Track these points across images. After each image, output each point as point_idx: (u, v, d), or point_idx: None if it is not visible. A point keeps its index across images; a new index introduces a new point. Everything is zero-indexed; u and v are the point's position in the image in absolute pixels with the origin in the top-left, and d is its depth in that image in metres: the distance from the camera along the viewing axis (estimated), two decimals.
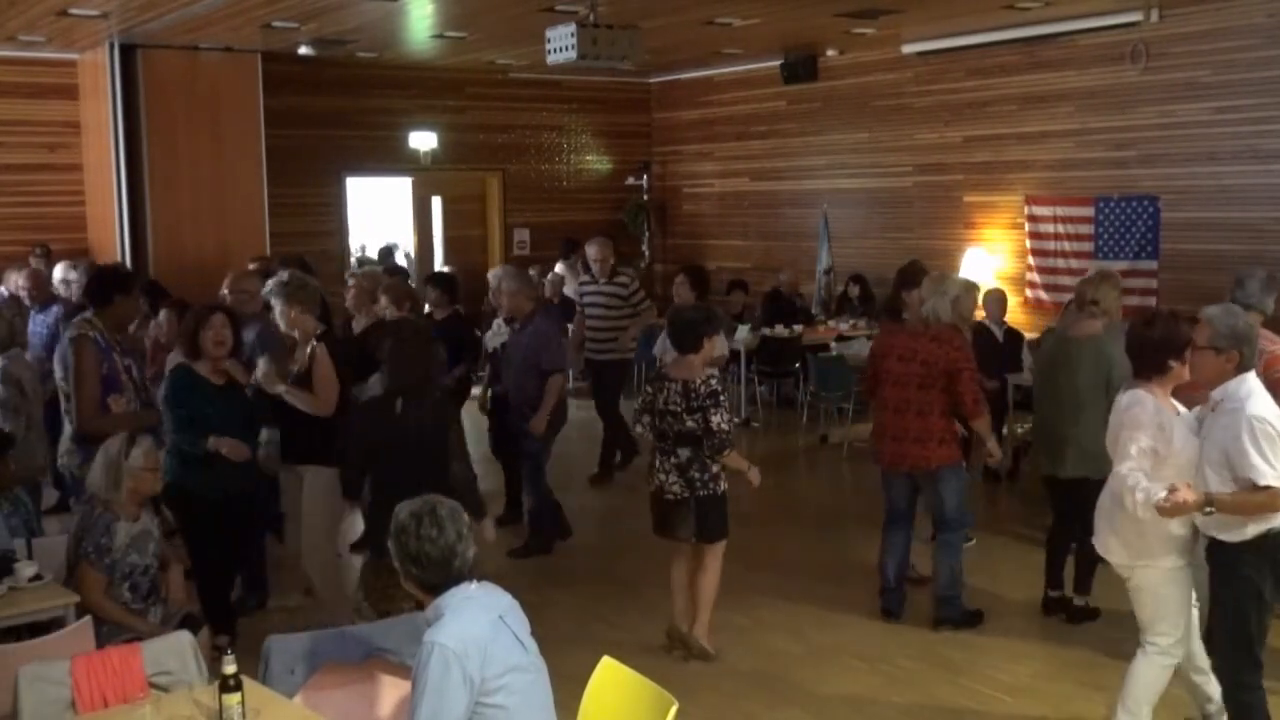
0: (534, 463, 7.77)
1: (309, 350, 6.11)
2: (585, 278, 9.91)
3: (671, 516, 5.90)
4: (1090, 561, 6.27)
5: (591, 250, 9.66)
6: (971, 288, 7.38)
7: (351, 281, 8.20)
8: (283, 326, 6.25)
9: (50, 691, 3.70)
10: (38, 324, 8.63)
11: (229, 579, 6.21)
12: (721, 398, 5.77)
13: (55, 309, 8.58)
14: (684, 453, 5.81)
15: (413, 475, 4.74)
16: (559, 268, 13.78)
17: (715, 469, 5.82)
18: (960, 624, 6.41)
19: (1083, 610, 6.44)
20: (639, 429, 6.09)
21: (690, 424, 5.75)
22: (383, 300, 7.83)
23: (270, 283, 6.59)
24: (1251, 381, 4.35)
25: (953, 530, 6.44)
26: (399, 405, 5.21)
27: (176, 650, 4.01)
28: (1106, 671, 5.70)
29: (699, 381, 5.77)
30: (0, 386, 6.33)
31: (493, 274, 8.62)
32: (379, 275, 9.32)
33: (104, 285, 5.95)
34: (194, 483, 5.70)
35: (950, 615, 6.44)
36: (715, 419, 5.71)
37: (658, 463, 5.93)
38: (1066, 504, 6.42)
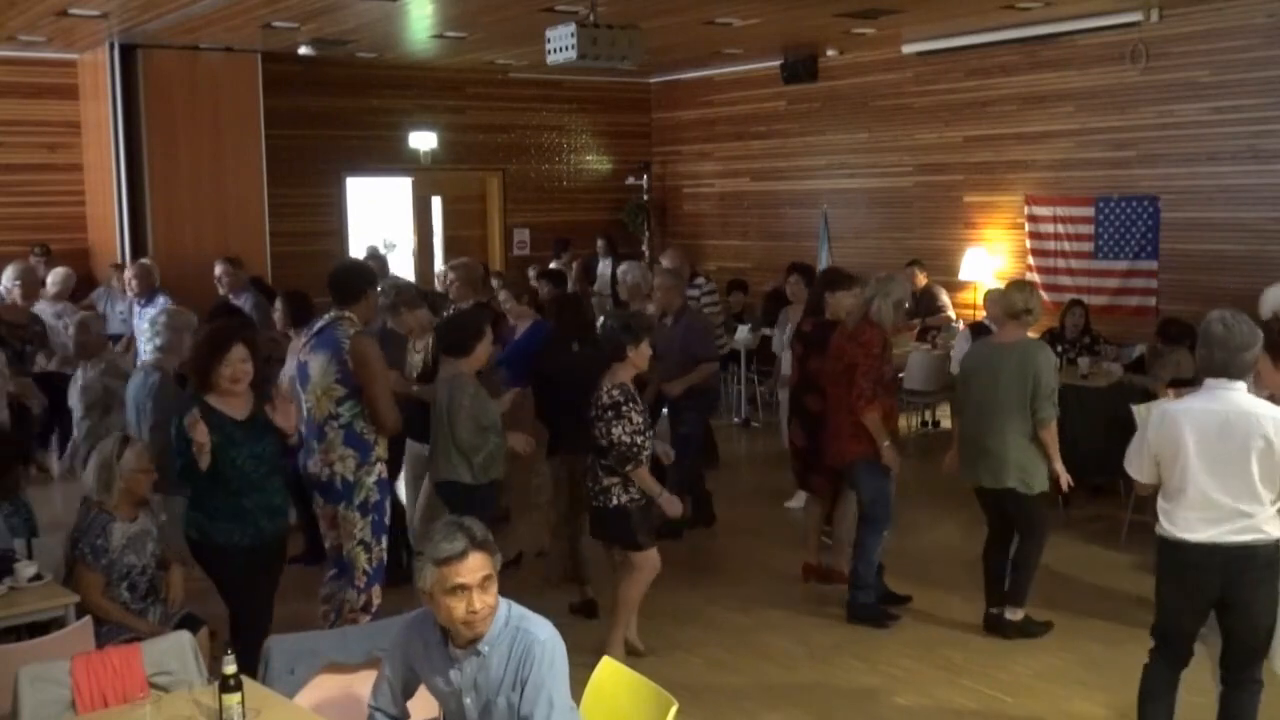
0: (685, 444, 7.71)
1: (428, 341, 6.54)
2: None
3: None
4: (1025, 573, 6.12)
5: (666, 261, 10.05)
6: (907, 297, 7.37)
7: (451, 275, 8.23)
8: (403, 331, 6.77)
9: (50, 691, 3.70)
10: (142, 318, 8.63)
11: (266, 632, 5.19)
12: (625, 409, 5.61)
13: (161, 300, 8.57)
14: (591, 460, 5.88)
15: (579, 398, 5.97)
16: (553, 267, 13.73)
17: (606, 481, 5.74)
18: (861, 620, 6.39)
19: (1017, 626, 6.17)
20: None
21: (597, 432, 5.73)
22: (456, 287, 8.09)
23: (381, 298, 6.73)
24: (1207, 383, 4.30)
25: (869, 526, 6.41)
26: (575, 345, 6.61)
27: (176, 650, 4.00)
28: (1107, 671, 5.70)
29: (603, 391, 5.71)
30: (103, 389, 6.40)
31: (625, 268, 8.83)
32: (473, 265, 9.03)
33: (354, 280, 5.66)
34: (221, 534, 5.00)
35: (852, 610, 6.46)
36: (615, 431, 5.62)
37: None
38: (996, 515, 6.22)
